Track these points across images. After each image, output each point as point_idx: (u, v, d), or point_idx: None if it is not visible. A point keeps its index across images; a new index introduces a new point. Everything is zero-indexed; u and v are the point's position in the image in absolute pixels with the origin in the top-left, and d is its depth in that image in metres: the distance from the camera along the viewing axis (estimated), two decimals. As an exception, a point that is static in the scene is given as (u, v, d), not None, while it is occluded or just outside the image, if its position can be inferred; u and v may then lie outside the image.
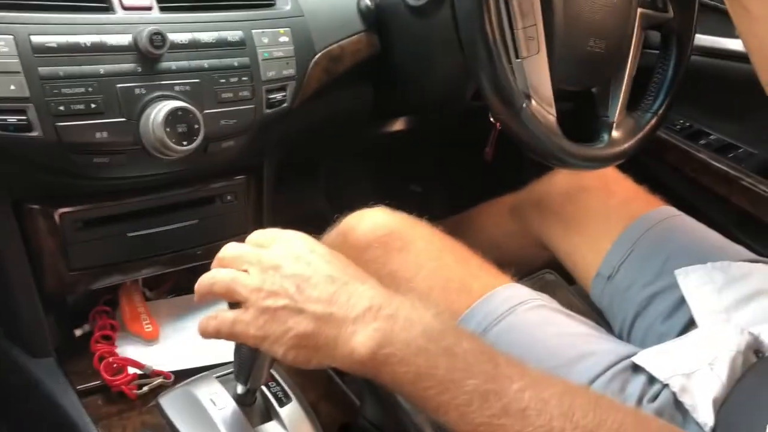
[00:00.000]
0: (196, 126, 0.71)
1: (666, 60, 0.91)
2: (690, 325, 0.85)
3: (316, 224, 0.99)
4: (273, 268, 0.55)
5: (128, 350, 0.80)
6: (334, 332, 0.52)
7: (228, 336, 0.56)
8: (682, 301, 0.86)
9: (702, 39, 1.10)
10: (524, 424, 0.48)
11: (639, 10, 0.87)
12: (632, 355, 0.75)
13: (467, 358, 0.50)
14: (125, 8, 0.73)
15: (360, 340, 0.51)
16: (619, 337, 0.94)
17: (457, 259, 0.77)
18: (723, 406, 0.68)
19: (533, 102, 0.75)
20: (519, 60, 0.75)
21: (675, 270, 0.89)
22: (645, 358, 0.74)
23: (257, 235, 0.61)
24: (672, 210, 0.98)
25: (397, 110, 1.11)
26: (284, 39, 0.83)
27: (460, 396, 0.49)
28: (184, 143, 0.71)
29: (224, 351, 0.78)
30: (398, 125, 1.18)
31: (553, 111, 0.77)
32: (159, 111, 0.69)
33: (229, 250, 0.59)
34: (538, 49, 0.76)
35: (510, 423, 0.48)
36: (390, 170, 1.57)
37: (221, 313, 0.57)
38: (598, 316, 0.99)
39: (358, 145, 1.36)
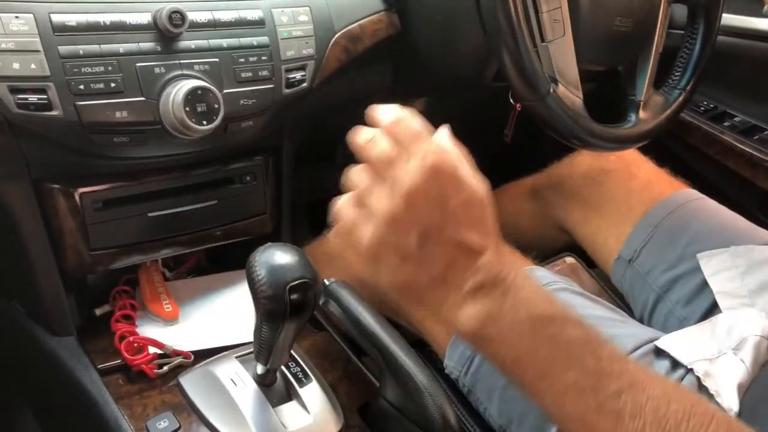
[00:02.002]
0: (216, 105, 0.71)
1: (693, 34, 0.90)
2: (713, 309, 0.84)
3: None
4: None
5: (148, 330, 0.81)
6: (443, 296, 0.50)
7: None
8: (704, 285, 0.86)
9: (728, 18, 1.07)
10: (616, 425, 0.47)
11: None
12: (655, 340, 0.74)
13: (570, 349, 0.49)
14: (144, -13, 0.72)
15: (467, 314, 0.49)
16: (640, 320, 0.93)
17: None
18: (747, 391, 0.68)
19: (560, 86, 0.74)
20: (545, 44, 0.74)
21: (697, 254, 0.88)
22: (668, 342, 0.73)
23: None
24: (694, 193, 0.97)
25: (416, 90, 1.10)
26: (304, 18, 0.82)
27: (556, 386, 0.48)
28: (204, 123, 0.70)
29: (244, 331, 0.78)
30: (417, 106, 1.17)
31: (580, 93, 0.76)
32: (179, 90, 0.69)
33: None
34: (564, 31, 0.74)
35: (602, 422, 0.47)
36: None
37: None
38: (619, 300, 0.98)
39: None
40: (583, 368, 0.48)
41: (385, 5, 0.91)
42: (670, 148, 1.18)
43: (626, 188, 1.00)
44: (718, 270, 0.86)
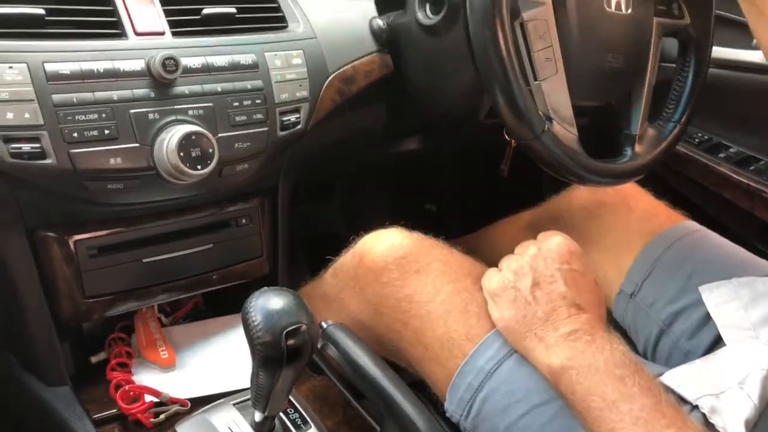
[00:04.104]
0: (210, 150, 0.71)
1: (685, 67, 0.90)
2: (717, 342, 0.83)
3: (331, 244, 0.98)
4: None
5: (144, 377, 0.79)
6: (541, 334, 0.68)
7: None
8: (707, 318, 0.85)
9: (718, 51, 1.08)
10: None
11: (655, 19, 0.86)
12: (659, 375, 0.73)
13: (633, 389, 0.61)
14: (138, 34, 0.73)
15: (556, 353, 0.66)
16: (644, 355, 0.92)
17: (476, 281, 0.76)
18: (755, 427, 0.66)
19: (554, 123, 0.74)
20: (537, 82, 0.74)
21: (699, 286, 0.87)
22: (673, 378, 0.72)
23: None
24: (694, 225, 0.96)
25: (410, 129, 1.10)
26: (297, 61, 0.82)
27: (615, 415, 0.60)
28: (199, 167, 0.70)
29: (242, 376, 0.77)
30: (412, 144, 1.17)
31: (574, 130, 0.76)
32: (173, 136, 0.69)
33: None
34: (556, 69, 0.75)
35: None
36: (405, 188, 1.56)
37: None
38: (621, 335, 0.97)
39: (373, 164, 1.35)
40: (641, 404, 0.60)
41: (378, 46, 0.92)
42: (667, 180, 1.18)
43: (625, 221, 1.00)
44: (721, 302, 0.85)
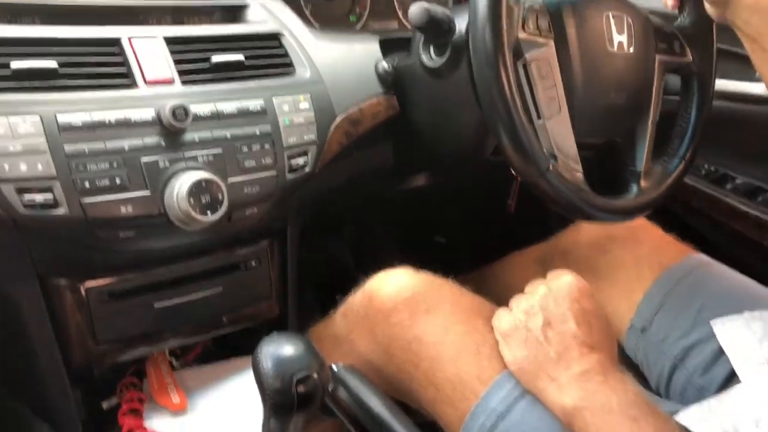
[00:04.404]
0: (220, 196, 0.72)
1: (689, 103, 0.91)
2: (731, 377, 0.82)
3: (341, 280, 0.99)
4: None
5: (156, 422, 0.79)
6: (554, 374, 0.68)
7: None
8: (720, 353, 0.84)
9: (722, 84, 1.09)
10: None
11: (657, 57, 0.87)
12: (674, 413, 0.73)
13: (647, 429, 0.63)
14: (148, 83, 0.74)
15: (569, 394, 0.66)
16: (657, 391, 0.91)
17: (486, 322, 0.76)
18: (772, 467, 0.65)
19: (559, 161, 0.75)
20: (541, 121, 0.75)
21: (711, 320, 0.86)
22: (688, 417, 0.71)
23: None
24: (703, 258, 0.96)
25: (417, 167, 1.11)
26: (304, 105, 0.84)
27: None
28: (209, 213, 0.71)
29: (254, 420, 0.77)
30: (419, 180, 1.18)
31: (579, 167, 0.77)
32: (183, 183, 0.70)
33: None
34: (560, 108, 0.76)
35: None
36: (413, 222, 1.56)
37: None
38: (634, 371, 0.96)
39: (381, 201, 1.36)
40: None
41: (384, 88, 0.93)
42: (675, 212, 1.18)
43: (634, 255, 0.99)
44: (734, 337, 0.84)
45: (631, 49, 0.82)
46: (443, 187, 1.35)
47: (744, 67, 1.08)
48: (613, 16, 0.81)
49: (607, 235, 1.04)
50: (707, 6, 0.85)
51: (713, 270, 0.94)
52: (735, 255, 1.06)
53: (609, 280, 1.01)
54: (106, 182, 0.69)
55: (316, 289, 1.32)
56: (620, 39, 0.81)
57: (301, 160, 0.83)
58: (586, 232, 1.07)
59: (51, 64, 0.69)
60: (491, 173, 1.04)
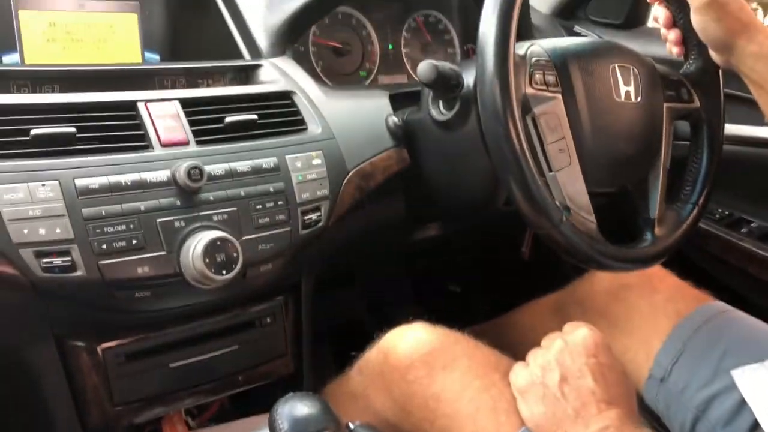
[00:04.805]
0: (235, 254, 0.72)
1: (699, 149, 0.91)
2: (755, 428, 0.81)
3: (356, 332, 0.98)
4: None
5: (172, 483, 0.79)
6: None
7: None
8: (743, 403, 0.82)
9: (732, 128, 1.09)
10: None
11: (665, 104, 0.88)
12: (697, 468, 0.71)
13: None
14: (163, 144, 0.76)
15: None
16: (680, 443, 0.89)
17: (503, 377, 0.75)
18: None
19: (572, 212, 0.75)
20: (552, 173, 0.75)
21: (731, 370, 0.85)
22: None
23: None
24: (720, 305, 0.95)
25: (430, 217, 1.12)
26: (317, 161, 0.85)
27: None
28: (224, 272, 0.72)
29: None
30: (432, 230, 1.18)
31: (593, 217, 0.77)
32: (198, 242, 0.71)
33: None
34: (570, 160, 0.76)
35: None
36: (428, 271, 1.56)
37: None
38: (655, 422, 0.94)
39: (394, 251, 1.36)
40: None
41: (394, 141, 0.94)
42: (690, 257, 1.18)
43: (650, 303, 0.99)
44: (756, 386, 0.83)
45: (639, 99, 0.83)
46: (456, 236, 1.35)
47: (753, 111, 1.09)
48: (619, 68, 0.82)
49: (623, 283, 1.03)
50: (712, 53, 0.86)
51: (731, 317, 0.93)
52: (753, 301, 1.05)
53: (626, 329, 1.00)
54: (122, 244, 0.69)
55: (331, 341, 1.31)
56: (627, 89, 0.82)
57: (314, 216, 0.83)
58: (601, 280, 1.07)
59: (69, 129, 0.71)
60: (504, 221, 1.04)
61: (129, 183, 0.71)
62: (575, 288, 1.12)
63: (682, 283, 1.00)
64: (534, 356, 0.74)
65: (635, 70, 0.84)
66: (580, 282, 1.12)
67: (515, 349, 0.82)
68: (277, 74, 0.93)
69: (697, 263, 1.17)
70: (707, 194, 0.90)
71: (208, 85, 0.93)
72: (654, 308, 0.97)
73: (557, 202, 0.75)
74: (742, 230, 1.12)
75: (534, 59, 0.78)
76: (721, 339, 0.90)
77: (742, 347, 0.88)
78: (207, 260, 0.70)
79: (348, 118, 0.92)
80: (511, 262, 1.35)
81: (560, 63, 0.80)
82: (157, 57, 1.06)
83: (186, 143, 0.77)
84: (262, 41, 0.97)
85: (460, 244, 1.46)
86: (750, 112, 1.10)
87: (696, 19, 0.82)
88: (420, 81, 0.83)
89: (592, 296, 1.07)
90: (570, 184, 0.76)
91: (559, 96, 0.78)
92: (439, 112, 0.89)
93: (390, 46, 1.22)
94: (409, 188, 1.00)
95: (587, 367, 0.70)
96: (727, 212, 1.15)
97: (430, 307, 1.57)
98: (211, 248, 0.71)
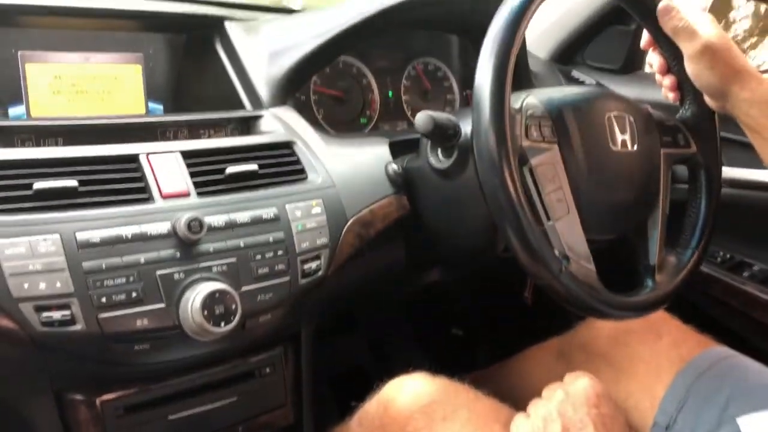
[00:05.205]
0: (234, 306, 0.72)
1: (697, 194, 0.91)
2: (762, 477, 0.79)
3: (358, 378, 0.97)
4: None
5: None
6: None
7: None
8: (749, 451, 0.81)
9: (731, 171, 1.10)
10: None
11: (662, 151, 0.88)
12: None
13: None
14: (164, 196, 0.76)
15: None
16: (688, 492, 0.88)
17: (504, 427, 0.74)
18: None
19: (571, 261, 0.75)
20: (551, 222, 0.75)
21: (737, 417, 0.84)
22: None
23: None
24: (724, 350, 0.94)
25: (430, 263, 1.12)
26: (317, 210, 0.85)
27: None
28: (222, 324, 0.72)
29: None
30: (433, 276, 1.18)
31: (592, 265, 0.76)
32: (197, 295, 0.71)
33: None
34: (568, 209, 0.76)
35: None
36: (430, 315, 1.56)
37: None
38: (662, 471, 0.93)
39: (395, 298, 1.36)
40: None
41: (394, 189, 0.95)
42: (693, 301, 1.17)
43: (653, 349, 0.98)
44: (762, 434, 0.81)
45: (635, 146, 0.84)
46: (458, 281, 1.35)
47: (751, 155, 1.10)
48: (614, 116, 0.83)
49: (626, 328, 1.03)
50: (707, 99, 0.87)
51: (735, 362, 0.92)
52: (757, 345, 1.04)
53: (629, 375, 0.99)
54: (122, 297, 0.70)
55: (332, 389, 1.31)
56: (623, 137, 0.83)
57: (313, 265, 0.84)
58: (604, 325, 1.06)
59: (71, 183, 0.71)
60: (505, 267, 1.04)
61: (129, 236, 0.71)
62: (578, 333, 1.11)
63: (685, 328, 1.00)
64: (535, 407, 0.74)
65: (630, 118, 0.85)
66: (582, 326, 1.11)
67: (519, 394, 0.81)
68: (278, 124, 0.94)
69: (700, 307, 1.17)
70: (707, 239, 0.89)
71: (209, 136, 0.94)
72: (657, 354, 0.97)
73: (556, 252, 0.75)
74: (744, 274, 1.11)
75: (530, 111, 0.79)
76: (726, 385, 0.89)
77: (747, 393, 0.87)
78: (206, 312, 0.71)
79: (348, 166, 0.93)
80: (513, 306, 1.34)
81: (556, 114, 0.80)
82: (160, 107, 1.08)
83: (187, 195, 0.78)
84: (264, 92, 0.99)
85: (462, 289, 1.46)
86: (748, 155, 1.10)
87: (690, 67, 0.83)
88: (418, 131, 0.84)
89: (595, 341, 1.06)
90: (569, 233, 0.76)
91: (556, 147, 0.78)
92: (437, 160, 0.90)
93: (390, 94, 1.24)
94: (409, 235, 1.01)
95: (589, 417, 0.69)
96: (728, 255, 1.15)
97: (433, 352, 1.57)
98: (210, 300, 0.71)
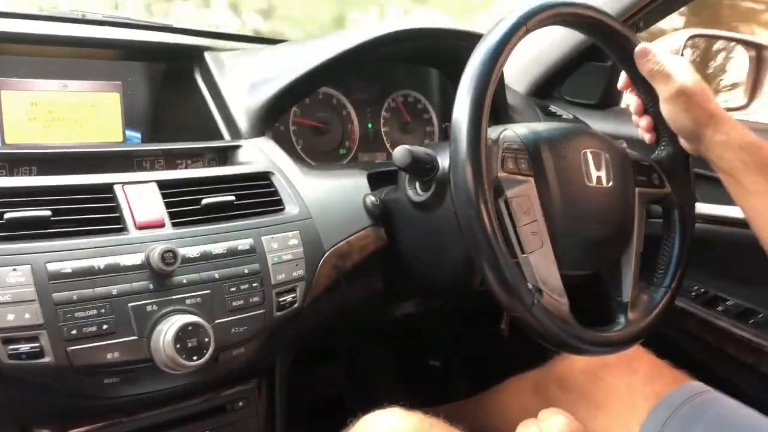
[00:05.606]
0: (207, 339, 0.72)
1: (671, 233, 0.92)
2: None
3: (335, 409, 0.96)
4: None
5: None
6: None
7: None
8: (723, 489, 0.81)
9: (705, 207, 1.11)
10: None
11: (636, 189, 0.89)
12: None
13: None
14: (138, 227, 0.76)
15: None
16: None
17: (478, 464, 0.74)
18: None
19: (544, 295, 0.75)
20: (525, 255, 0.75)
21: (711, 454, 0.84)
22: None
23: None
24: (698, 385, 0.95)
25: (407, 295, 1.11)
26: (293, 242, 0.85)
27: None
28: (195, 358, 0.71)
29: None
30: (410, 308, 1.18)
31: (565, 300, 0.77)
32: (170, 327, 0.70)
33: None
34: (542, 243, 0.77)
35: None
36: (407, 346, 1.55)
37: None
38: (638, 506, 0.92)
39: (373, 329, 1.35)
40: None
41: (371, 221, 0.95)
42: (668, 336, 1.18)
43: (628, 384, 0.98)
44: (735, 471, 0.82)
45: (610, 184, 0.85)
46: (435, 313, 1.34)
47: (725, 191, 1.11)
48: (590, 153, 0.84)
49: (601, 362, 1.03)
50: (682, 141, 0.89)
51: (709, 398, 0.93)
52: (732, 381, 1.05)
53: (605, 410, 0.99)
54: (93, 329, 0.68)
55: (310, 419, 1.29)
56: (598, 174, 0.84)
57: (289, 297, 0.83)
58: (579, 359, 1.07)
59: (44, 213, 0.71)
60: (483, 299, 1.04)
61: (102, 267, 0.71)
62: (554, 366, 1.11)
63: (660, 363, 1.00)
64: None
65: (606, 155, 0.86)
66: (559, 360, 1.11)
67: (494, 429, 0.81)
68: (256, 155, 0.94)
69: (675, 342, 1.17)
70: (680, 278, 0.90)
71: (186, 166, 0.94)
72: (632, 389, 0.97)
73: (529, 285, 0.75)
74: (718, 308, 1.12)
75: (506, 144, 0.79)
76: (700, 421, 0.89)
77: (722, 429, 0.88)
78: (178, 346, 0.70)
79: (326, 197, 0.93)
80: (490, 338, 1.34)
81: (533, 147, 0.81)
82: (139, 135, 1.07)
83: (162, 225, 0.77)
84: (243, 122, 0.99)
85: (440, 320, 1.46)
86: (722, 191, 1.12)
87: (665, 109, 0.84)
88: (396, 165, 0.85)
89: (570, 375, 1.06)
90: (542, 267, 0.77)
91: (532, 180, 0.79)
92: (415, 193, 0.90)
93: (370, 125, 1.25)
94: (386, 267, 1.00)
95: None
96: (703, 290, 1.16)
97: (410, 382, 1.56)
98: (183, 333, 0.70)
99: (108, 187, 0.77)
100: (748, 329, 1.07)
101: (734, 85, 1.28)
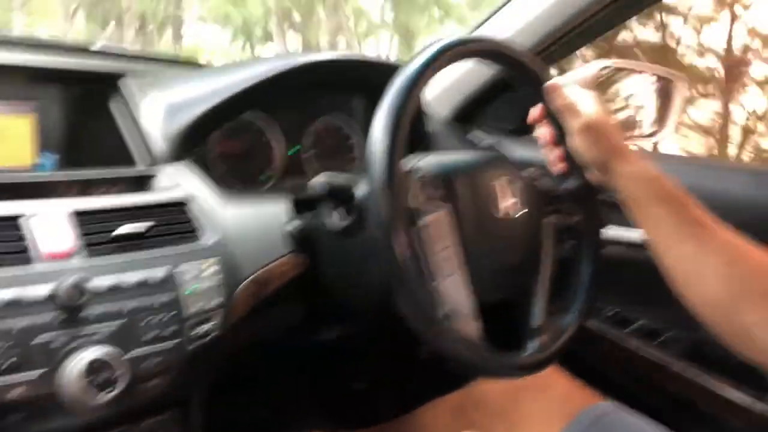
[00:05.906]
0: (118, 373, 0.70)
1: (579, 261, 0.94)
2: None
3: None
4: None
5: None
6: None
7: None
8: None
9: (619, 231, 1.15)
10: None
11: (545, 219, 0.92)
12: None
13: None
14: (46, 258, 0.74)
15: None
16: None
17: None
18: None
19: (456, 320, 0.77)
20: (437, 282, 0.77)
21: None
22: None
23: None
24: (606, 406, 0.99)
25: (329, 321, 1.12)
26: (210, 271, 0.84)
27: None
28: (107, 392, 0.69)
29: None
30: (332, 333, 1.18)
31: (477, 324, 0.79)
32: (77, 362, 0.68)
33: None
34: (455, 269, 0.79)
35: None
36: (331, 369, 1.55)
37: None
38: None
39: (295, 354, 1.34)
40: None
41: (291, 247, 0.95)
42: (583, 356, 1.21)
43: (543, 405, 1.01)
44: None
45: (519, 213, 0.88)
46: (357, 337, 1.35)
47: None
48: (501, 184, 0.87)
49: (520, 384, 1.06)
50: (591, 172, 0.93)
51: (618, 418, 0.96)
52: (640, 398, 1.09)
53: (522, 430, 1.02)
54: (-5, 365, 0.66)
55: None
56: (508, 203, 0.87)
57: (206, 327, 0.82)
58: (499, 381, 1.09)
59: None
60: (404, 322, 1.06)
61: (4, 301, 0.68)
62: (474, 389, 1.14)
63: (572, 384, 1.04)
64: None
65: (517, 185, 0.89)
66: (478, 382, 1.14)
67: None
68: (173, 182, 0.93)
69: (590, 362, 1.21)
70: (588, 304, 0.93)
71: (101, 194, 0.92)
72: (546, 410, 1.00)
73: (442, 311, 0.77)
74: (628, 329, 1.17)
75: (421, 173, 0.82)
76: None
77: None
78: (87, 380, 0.68)
79: (244, 225, 0.93)
80: (413, 361, 1.35)
81: (446, 177, 0.83)
82: (56, 157, 1.04)
83: (71, 255, 0.75)
84: (160, 148, 0.98)
85: (363, 344, 1.46)
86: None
87: (574, 142, 0.88)
88: (315, 194, 0.86)
89: (489, 397, 1.09)
90: (455, 293, 0.79)
91: (446, 208, 0.81)
92: (335, 220, 0.91)
93: (291, 152, 1.25)
94: (307, 293, 1.00)
95: None
96: (614, 311, 1.20)
97: (335, 406, 1.55)
98: (92, 367, 0.69)
99: (14, 217, 0.75)
100: (653, 348, 1.12)
101: (642, 115, 1.34)
